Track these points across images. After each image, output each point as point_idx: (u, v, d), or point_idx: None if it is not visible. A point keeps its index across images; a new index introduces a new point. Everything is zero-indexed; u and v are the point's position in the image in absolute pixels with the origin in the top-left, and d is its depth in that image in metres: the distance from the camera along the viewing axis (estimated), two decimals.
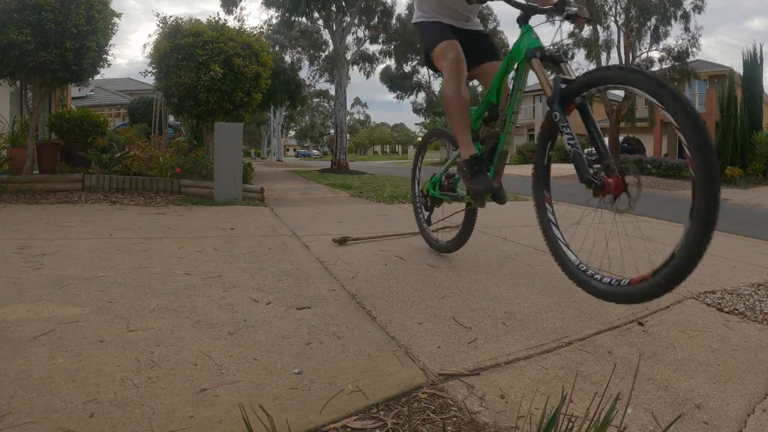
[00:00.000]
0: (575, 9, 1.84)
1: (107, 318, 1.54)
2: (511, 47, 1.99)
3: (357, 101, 74.32)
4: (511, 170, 4.82)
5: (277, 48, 19.37)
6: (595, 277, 1.55)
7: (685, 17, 19.84)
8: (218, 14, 6.60)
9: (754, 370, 1.33)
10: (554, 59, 1.77)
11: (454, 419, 1.05)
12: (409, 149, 65.10)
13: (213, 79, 5.65)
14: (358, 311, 1.72)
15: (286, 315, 1.64)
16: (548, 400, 1.05)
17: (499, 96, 2.14)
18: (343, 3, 16.69)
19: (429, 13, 2.35)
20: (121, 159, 5.75)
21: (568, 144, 1.60)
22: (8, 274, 1.99)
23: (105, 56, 5.46)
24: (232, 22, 8.83)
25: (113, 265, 2.21)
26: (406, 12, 23.09)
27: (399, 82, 28.17)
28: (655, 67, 21.10)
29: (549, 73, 1.81)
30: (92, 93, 18.34)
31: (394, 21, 20.85)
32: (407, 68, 27.31)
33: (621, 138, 18.33)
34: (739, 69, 16.68)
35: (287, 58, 19.42)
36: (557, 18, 1.90)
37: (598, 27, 19.57)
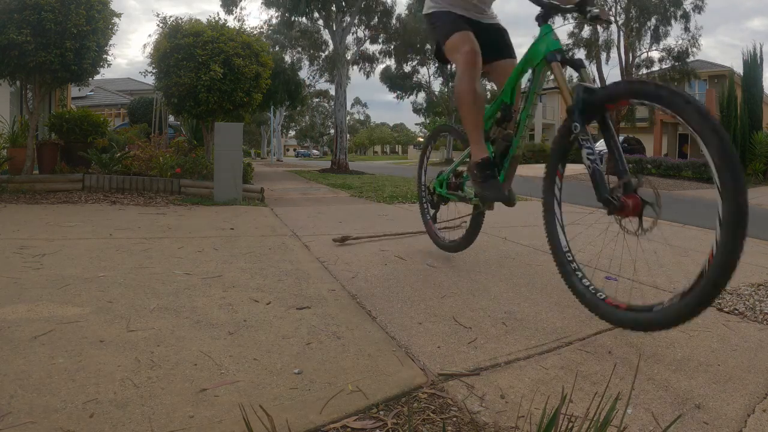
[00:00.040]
0: (597, 10, 1.72)
1: (107, 318, 1.54)
2: (529, 47, 1.88)
3: (357, 101, 74.41)
4: None
5: (277, 48, 19.38)
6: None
7: (685, 17, 19.86)
8: (218, 14, 6.61)
9: (754, 370, 1.33)
10: (574, 64, 1.67)
11: (454, 419, 1.05)
12: (410, 149, 65.09)
13: (213, 79, 5.65)
14: (358, 311, 1.72)
15: (286, 315, 1.64)
16: (548, 400, 1.05)
17: (513, 97, 2.05)
18: (343, 3, 16.69)
19: (441, 3, 2.22)
20: (121, 159, 5.75)
21: (588, 159, 1.50)
22: (8, 274, 1.99)
23: (105, 56, 5.47)
24: (232, 22, 8.84)
25: (113, 265, 2.21)
26: (406, 12, 23.10)
27: (399, 82, 28.21)
28: (655, 67, 21.12)
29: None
30: (92, 93, 18.35)
31: (394, 21, 20.86)
32: (407, 68, 27.36)
33: (621, 138, 18.34)
34: (739, 69, 16.67)
35: (287, 58, 19.44)
36: (578, 18, 1.81)
37: (598, 27, 19.56)
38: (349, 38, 19.14)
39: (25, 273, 2.01)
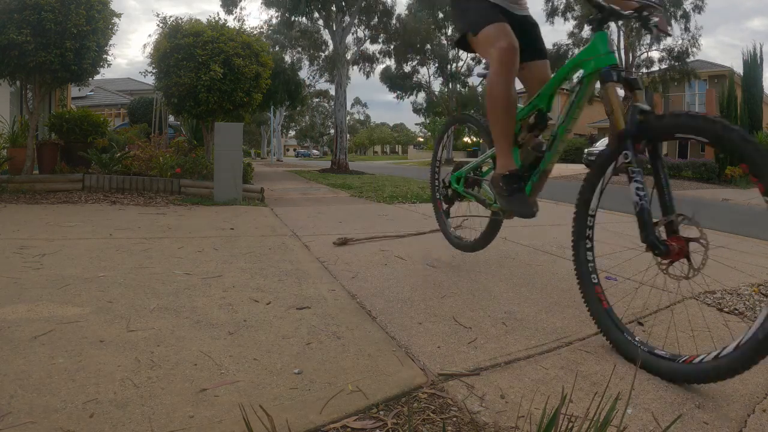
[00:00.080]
0: (656, 19, 1.54)
1: (107, 318, 1.54)
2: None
3: (357, 101, 74.52)
4: None
5: (277, 48, 19.40)
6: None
7: (685, 17, 19.87)
8: (218, 14, 6.61)
9: (753, 370, 1.33)
10: (630, 84, 1.44)
11: (454, 419, 1.05)
12: (410, 149, 65.05)
13: (213, 79, 5.65)
14: (358, 311, 1.72)
15: (286, 315, 1.64)
16: (548, 400, 1.05)
17: (550, 104, 1.85)
18: (343, 3, 16.70)
19: None
20: (121, 159, 5.75)
21: (636, 195, 1.32)
22: (8, 274, 1.99)
23: (105, 56, 5.46)
24: (232, 22, 8.85)
25: (113, 265, 2.21)
26: (406, 12, 23.13)
27: (399, 82, 28.20)
28: (655, 68, 21.13)
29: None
30: (92, 93, 18.35)
31: (394, 21, 20.87)
32: (407, 68, 27.36)
33: None
34: (739, 69, 16.68)
35: (287, 58, 19.45)
36: (637, 24, 1.63)
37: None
38: (349, 38, 19.16)
39: (25, 273, 2.01)
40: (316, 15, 17.33)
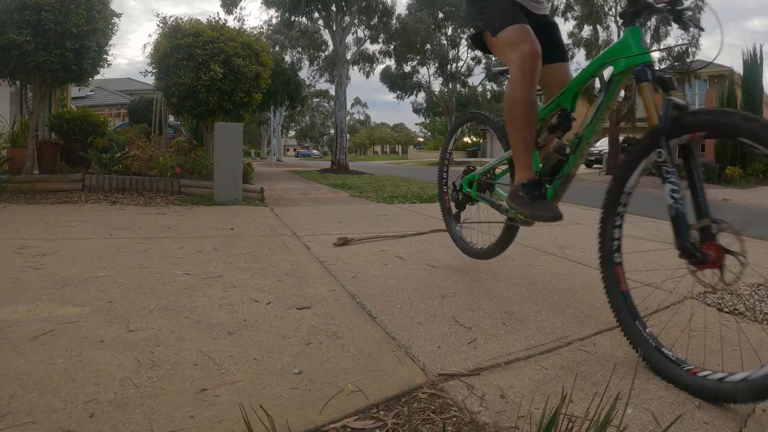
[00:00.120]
0: (690, 12, 1.42)
1: (107, 318, 1.54)
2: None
3: (357, 101, 74.54)
4: None
5: (277, 48, 19.41)
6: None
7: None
8: (218, 14, 6.62)
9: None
10: (665, 84, 1.33)
11: (454, 419, 1.05)
12: (410, 149, 65.05)
13: (213, 79, 5.66)
14: (358, 311, 1.72)
15: (286, 315, 1.64)
16: (548, 400, 1.05)
17: (574, 103, 1.72)
18: (343, 3, 16.71)
19: None
20: (121, 159, 5.76)
21: (671, 197, 1.23)
22: (8, 274, 1.99)
23: (105, 56, 5.47)
24: (232, 22, 8.88)
25: (113, 265, 2.21)
26: (406, 12, 23.13)
27: (399, 82, 28.21)
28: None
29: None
30: (92, 93, 18.34)
31: (394, 21, 20.88)
32: (407, 68, 27.37)
33: (621, 138, 18.34)
34: (739, 69, 16.67)
35: (287, 58, 19.48)
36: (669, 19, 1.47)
37: (598, 27, 19.58)
38: (349, 38, 19.17)
39: (25, 273, 2.01)
40: (316, 15, 17.34)
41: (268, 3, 17.72)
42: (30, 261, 2.22)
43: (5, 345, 1.30)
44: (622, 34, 1.49)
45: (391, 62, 26.00)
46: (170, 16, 6.16)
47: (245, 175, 5.72)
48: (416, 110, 35.04)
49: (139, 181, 5.34)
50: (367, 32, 20.62)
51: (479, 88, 31.85)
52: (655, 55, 1.43)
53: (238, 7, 18.44)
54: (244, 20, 20.32)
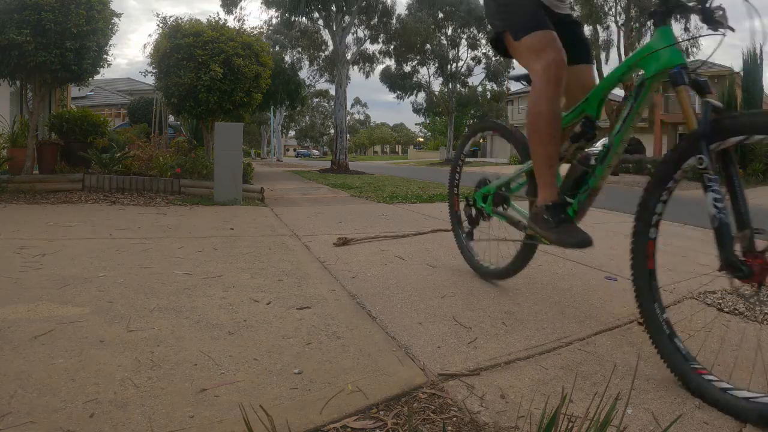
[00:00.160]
0: (721, 12, 1.31)
1: (107, 318, 1.54)
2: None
3: (357, 101, 74.59)
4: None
5: (277, 48, 19.43)
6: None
7: (686, 17, 19.85)
8: (218, 14, 6.62)
9: (753, 371, 1.33)
10: (700, 87, 1.25)
11: (454, 419, 1.05)
12: (410, 149, 65.03)
13: (213, 79, 5.66)
14: (358, 311, 1.72)
15: (286, 315, 1.64)
16: (548, 400, 1.05)
17: (600, 110, 1.61)
18: (343, 3, 16.71)
19: None
20: (121, 159, 5.76)
21: (715, 207, 1.14)
22: (8, 274, 1.99)
23: (105, 56, 5.46)
24: (232, 22, 8.88)
25: (113, 265, 2.21)
26: (406, 12, 23.14)
27: (399, 82, 28.25)
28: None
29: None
30: (92, 93, 18.35)
31: (394, 21, 20.89)
32: (407, 68, 27.40)
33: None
34: (739, 69, 16.66)
35: (287, 58, 19.49)
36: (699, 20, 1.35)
37: (598, 27, 19.56)
38: (349, 38, 19.18)
39: (25, 273, 2.01)
40: (316, 15, 17.35)
41: (268, 3, 17.73)
42: (30, 261, 2.22)
43: (5, 345, 1.30)
44: (652, 35, 1.40)
45: (391, 62, 26.05)
46: (170, 16, 6.17)
47: (245, 175, 5.72)
48: (416, 110, 35.08)
49: (139, 181, 5.34)
50: (367, 32, 20.63)
51: (479, 88, 31.84)
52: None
53: (238, 7, 18.47)
54: (244, 20, 20.36)
